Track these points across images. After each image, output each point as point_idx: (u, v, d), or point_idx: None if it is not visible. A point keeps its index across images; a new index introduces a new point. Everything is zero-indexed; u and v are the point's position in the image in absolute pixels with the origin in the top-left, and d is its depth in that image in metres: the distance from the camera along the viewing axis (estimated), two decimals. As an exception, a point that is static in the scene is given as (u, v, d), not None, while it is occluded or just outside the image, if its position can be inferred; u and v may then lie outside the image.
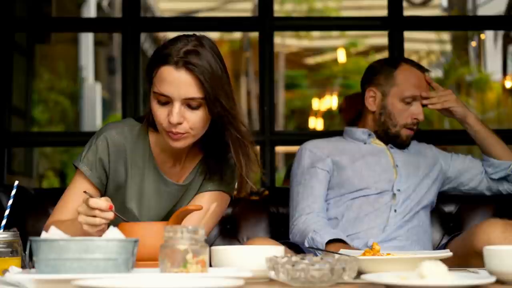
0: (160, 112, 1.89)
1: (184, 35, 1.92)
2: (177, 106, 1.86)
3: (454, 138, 3.58)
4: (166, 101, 1.87)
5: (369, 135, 2.69)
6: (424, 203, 2.62)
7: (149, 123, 2.02)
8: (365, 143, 2.68)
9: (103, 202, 1.71)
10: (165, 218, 2.04)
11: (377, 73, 2.70)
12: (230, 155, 1.98)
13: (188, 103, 1.86)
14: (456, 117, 2.70)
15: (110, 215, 1.72)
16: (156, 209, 2.04)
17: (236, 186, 2.04)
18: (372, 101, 2.68)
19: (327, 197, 2.60)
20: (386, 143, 2.68)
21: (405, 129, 2.64)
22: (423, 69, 2.70)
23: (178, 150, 2.02)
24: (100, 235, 1.77)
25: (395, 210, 2.55)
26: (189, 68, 1.84)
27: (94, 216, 1.71)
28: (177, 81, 1.85)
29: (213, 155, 2.03)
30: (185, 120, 1.87)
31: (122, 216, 1.81)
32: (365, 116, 2.73)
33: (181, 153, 2.05)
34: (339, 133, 2.80)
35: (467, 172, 2.73)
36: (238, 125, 1.94)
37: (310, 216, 2.50)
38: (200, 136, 1.95)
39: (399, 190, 2.58)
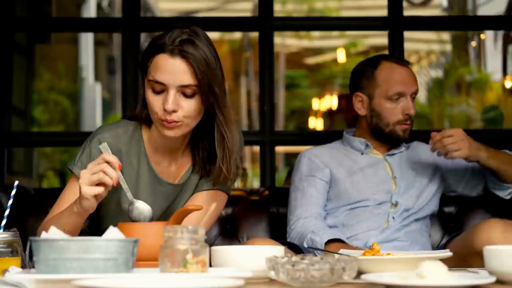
0: (155, 101, 1.91)
1: (179, 27, 1.94)
2: (172, 94, 1.88)
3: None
4: (161, 90, 1.90)
5: (367, 145, 2.66)
6: (425, 213, 2.61)
7: (142, 120, 2.03)
8: (362, 153, 2.66)
9: (114, 158, 1.77)
10: (160, 217, 2.04)
11: (360, 76, 2.66)
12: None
13: (183, 91, 1.89)
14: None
15: (116, 173, 1.75)
16: (152, 209, 2.03)
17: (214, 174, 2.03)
18: (360, 105, 2.65)
19: (325, 208, 2.59)
20: (386, 143, 2.65)
21: (398, 125, 2.60)
22: (404, 63, 2.64)
23: (172, 145, 2.01)
24: (94, 206, 1.77)
25: (393, 217, 2.54)
26: (184, 56, 1.87)
27: (101, 171, 1.74)
28: (172, 68, 1.87)
29: (202, 148, 2.04)
30: (180, 108, 1.89)
31: (119, 211, 1.80)
32: (359, 121, 2.69)
33: (176, 151, 2.05)
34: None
35: (467, 183, 2.71)
36: (225, 118, 1.96)
37: (308, 219, 2.50)
38: (193, 126, 1.95)
39: (397, 201, 2.57)
